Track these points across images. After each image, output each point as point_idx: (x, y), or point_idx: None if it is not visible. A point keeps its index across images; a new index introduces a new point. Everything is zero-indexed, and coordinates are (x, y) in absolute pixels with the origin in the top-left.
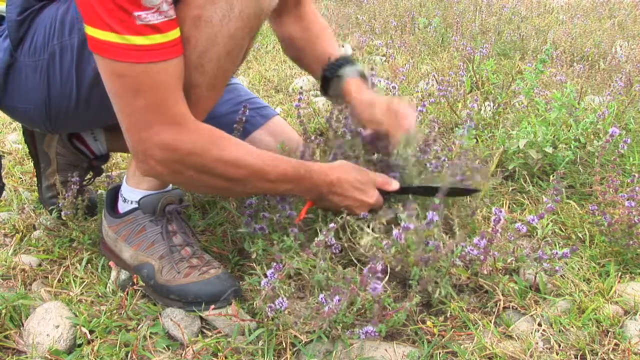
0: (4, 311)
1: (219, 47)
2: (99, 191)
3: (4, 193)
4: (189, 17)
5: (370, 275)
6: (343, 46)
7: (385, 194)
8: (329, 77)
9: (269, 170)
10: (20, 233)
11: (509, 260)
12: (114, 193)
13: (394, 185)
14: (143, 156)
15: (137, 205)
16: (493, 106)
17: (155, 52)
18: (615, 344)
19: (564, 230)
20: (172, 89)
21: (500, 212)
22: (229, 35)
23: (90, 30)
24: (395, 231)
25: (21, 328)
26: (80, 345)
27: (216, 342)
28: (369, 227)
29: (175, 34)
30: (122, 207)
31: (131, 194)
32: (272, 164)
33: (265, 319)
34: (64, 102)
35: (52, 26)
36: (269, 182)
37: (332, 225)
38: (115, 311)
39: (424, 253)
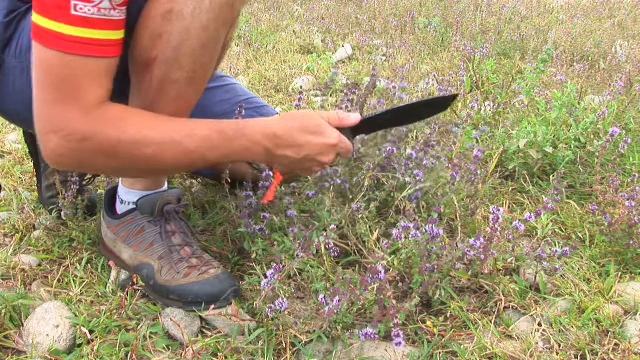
0: (4, 311)
1: (193, 40)
2: (99, 191)
3: (3, 193)
4: (160, 12)
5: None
6: (343, 46)
7: (349, 134)
8: None
9: (183, 140)
10: (20, 233)
11: (509, 260)
12: (112, 194)
13: (353, 117)
14: (45, 145)
15: (134, 206)
16: (493, 106)
17: (83, 46)
18: (615, 344)
19: (564, 230)
20: (89, 83)
21: (499, 210)
22: (202, 27)
23: (33, 16)
24: (395, 231)
25: (21, 328)
26: (80, 345)
27: (216, 342)
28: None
29: (111, 35)
30: (120, 208)
31: (128, 195)
32: (188, 134)
33: (265, 319)
34: None
35: None
36: (190, 152)
37: (332, 226)
38: (115, 311)
39: (428, 262)
